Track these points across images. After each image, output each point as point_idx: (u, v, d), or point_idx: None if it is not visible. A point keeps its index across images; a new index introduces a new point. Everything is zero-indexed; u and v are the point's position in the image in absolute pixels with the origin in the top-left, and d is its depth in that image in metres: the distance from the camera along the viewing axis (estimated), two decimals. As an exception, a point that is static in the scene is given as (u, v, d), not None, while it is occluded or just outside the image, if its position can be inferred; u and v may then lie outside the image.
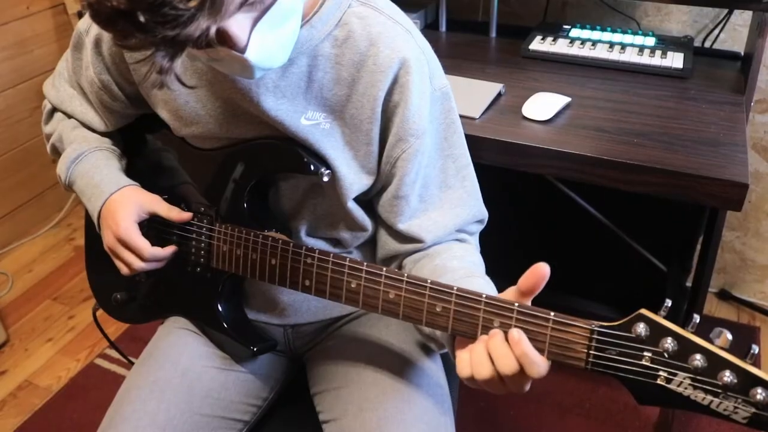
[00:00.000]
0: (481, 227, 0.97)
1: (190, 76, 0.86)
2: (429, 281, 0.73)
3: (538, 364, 0.66)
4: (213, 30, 0.62)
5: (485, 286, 0.83)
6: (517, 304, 0.68)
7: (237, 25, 0.65)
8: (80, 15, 0.62)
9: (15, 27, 2.10)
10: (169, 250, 0.93)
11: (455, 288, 0.71)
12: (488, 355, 0.68)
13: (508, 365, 0.66)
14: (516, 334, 0.67)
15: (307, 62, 0.82)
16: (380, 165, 0.88)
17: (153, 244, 0.92)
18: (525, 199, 1.79)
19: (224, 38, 0.66)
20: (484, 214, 0.95)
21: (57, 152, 1.03)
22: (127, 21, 0.57)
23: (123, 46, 0.61)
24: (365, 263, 0.77)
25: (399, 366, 0.95)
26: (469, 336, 0.71)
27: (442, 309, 0.72)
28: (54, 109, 1.04)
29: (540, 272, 0.67)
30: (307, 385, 1.03)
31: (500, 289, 0.75)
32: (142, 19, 0.57)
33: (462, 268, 0.86)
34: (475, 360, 0.69)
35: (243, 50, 0.67)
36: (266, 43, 0.69)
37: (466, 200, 0.92)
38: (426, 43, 0.88)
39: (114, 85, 0.94)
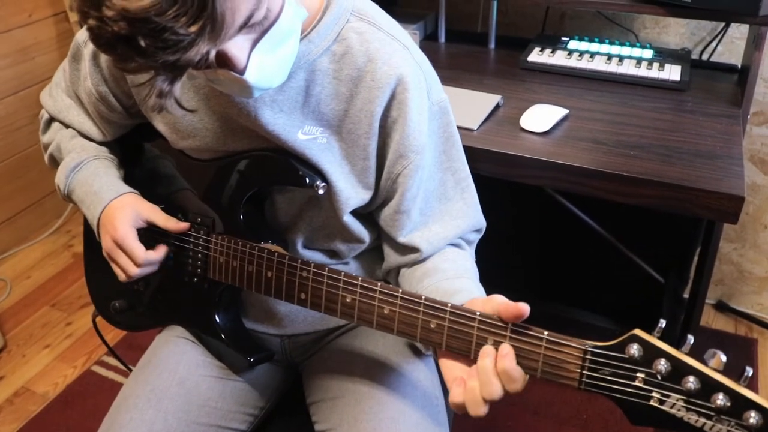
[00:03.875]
0: (479, 236, 0.98)
1: (187, 92, 0.86)
2: (423, 297, 0.73)
3: (517, 380, 0.68)
4: (213, 53, 0.62)
5: (472, 288, 0.84)
6: (511, 323, 0.68)
7: (236, 47, 0.66)
8: (81, 24, 0.62)
9: (17, 34, 2.10)
10: (161, 251, 0.93)
11: (449, 305, 0.72)
12: (481, 396, 0.69)
13: (495, 392, 0.68)
14: (507, 349, 0.67)
15: (305, 77, 0.82)
16: (380, 180, 0.89)
17: None
18: (523, 210, 1.79)
19: (224, 60, 0.66)
20: (482, 223, 0.96)
21: (55, 162, 1.03)
22: (128, 45, 0.58)
23: (123, 70, 0.62)
24: (360, 278, 0.77)
25: (395, 377, 0.95)
26: (464, 353, 0.71)
27: (436, 326, 0.72)
28: (51, 119, 1.04)
29: (519, 313, 0.68)
30: (303, 394, 1.03)
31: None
32: (142, 44, 0.57)
33: (452, 269, 0.87)
34: (469, 399, 0.69)
35: (242, 72, 0.67)
36: (265, 64, 0.70)
37: (466, 212, 0.92)
38: (424, 58, 0.88)
39: (111, 96, 0.94)
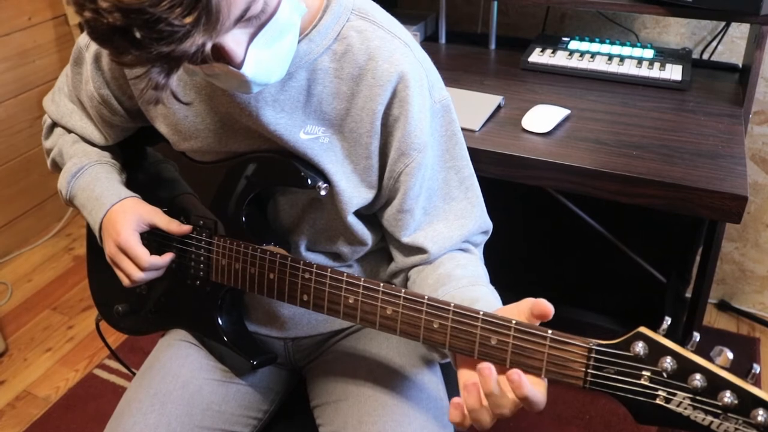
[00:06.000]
0: (485, 238, 0.97)
1: (189, 91, 0.86)
2: (426, 297, 0.73)
3: (539, 404, 0.67)
4: (209, 46, 0.62)
5: (489, 295, 0.83)
6: (514, 321, 0.68)
7: (233, 40, 0.65)
8: (81, 27, 0.62)
9: (16, 38, 2.10)
10: (167, 257, 0.93)
11: (452, 305, 0.71)
12: (485, 407, 0.68)
13: (506, 408, 0.67)
14: (516, 376, 0.65)
15: (306, 76, 0.82)
16: (382, 179, 0.88)
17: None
18: (525, 210, 1.79)
19: (221, 54, 0.66)
20: (488, 224, 0.95)
21: (57, 167, 1.03)
22: (123, 37, 0.58)
23: (119, 63, 0.61)
24: (363, 279, 0.77)
25: (399, 380, 0.94)
26: (467, 353, 0.71)
27: (439, 326, 0.72)
28: (54, 124, 1.04)
29: (544, 312, 0.68)
30: (307, 397, 1.03)
31: (505, 302, 0.75)
32: (137, 35, 0.57)
33: (465, 276, 0.86)
34: (473, 416, 0.69)
35: (240, 66, 0.67)
36: (263, 59, 0.69)
37: (471, 211, 0.92)
38: (425, 56, 0.88)
39: (113, 99, 0.94)
